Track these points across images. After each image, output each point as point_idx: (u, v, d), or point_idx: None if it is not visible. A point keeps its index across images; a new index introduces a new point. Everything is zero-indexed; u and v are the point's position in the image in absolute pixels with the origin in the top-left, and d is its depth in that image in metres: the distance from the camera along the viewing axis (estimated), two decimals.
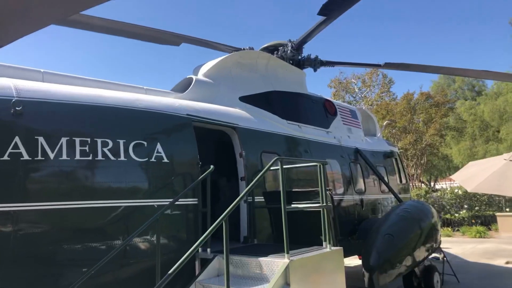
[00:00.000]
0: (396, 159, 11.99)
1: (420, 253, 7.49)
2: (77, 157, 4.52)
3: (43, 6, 2.23)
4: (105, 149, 4.74)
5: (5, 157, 4.07)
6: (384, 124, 16.30)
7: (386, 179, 10.48)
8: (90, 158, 4.62)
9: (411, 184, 27.92)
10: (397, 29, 64.52)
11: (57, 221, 4.34)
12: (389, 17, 64.60)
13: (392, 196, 10.24)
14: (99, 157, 4.69)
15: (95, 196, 4.59)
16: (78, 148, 4.53)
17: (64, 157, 4.42)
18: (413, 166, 30.63)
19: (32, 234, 4.16)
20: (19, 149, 4.15)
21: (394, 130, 30.30)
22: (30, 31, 2.56)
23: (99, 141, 4.72)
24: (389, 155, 11.51)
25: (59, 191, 4.37)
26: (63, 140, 4.45)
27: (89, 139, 4.65)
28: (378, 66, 11.11)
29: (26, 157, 4.18)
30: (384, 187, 10.24)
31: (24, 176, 4.19)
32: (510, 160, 11.86)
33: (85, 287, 4.15)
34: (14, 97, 4.31)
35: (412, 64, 10.52)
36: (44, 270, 4.17)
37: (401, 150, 27.51)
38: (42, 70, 5.24)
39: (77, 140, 4.55)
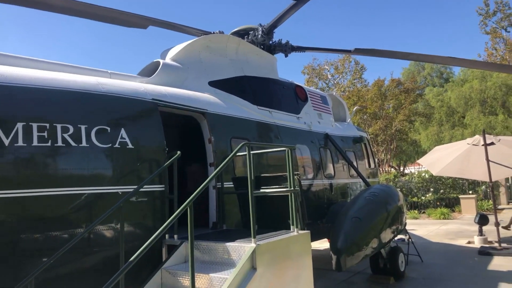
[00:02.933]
0: (365, 144, 12.21)
1: (386, 235, 7.70)
2: (35, 143, 4.32)
3: None
4: (65, 135, 4.56)
5: None
6: (354, 109, 16.54)
7: (355, 163, 10.67)
8: (49, 144, 4.43)
9: (381, 169, 28.68)
10: (368, 15, 65.19)
11: (15, 210, 4.16)
12: (361, 3, 65.16)
13: (361, 181, 10.45)
14: (59, 143, 4.51)
15: (56, 183, 4.42)
16: (35, 134, 4.33)
17: (20, 143, 4.22)
18: (383, 151, 31.41)
19: None
20: None
21: (365, 116, 30.87)
22: None
23: (58, 126, 4.53)
24: (358, 140, 11.69)
25: (16, 179, 4.18)
26: (19, 125, 4.24)
27: (47, 125, 4.45)
28: (348, 52, 11.17)
29: None
30: (353, 171, 10.42)
31: None
32: (473, 145, 12.36)
33: (46, 276, 4.03)
34: None
35: (382, 50, 10.64)
36: (1, 260, 4.01)
37: (372, 136, 28.12)
38: None
39: (35, 125, 4.35)
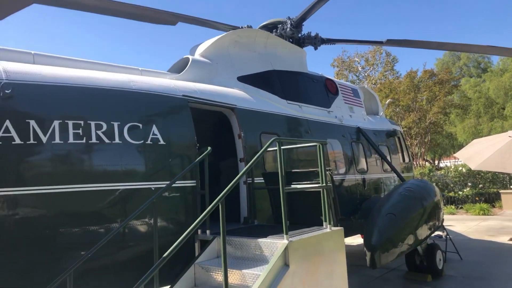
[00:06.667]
0: (399, 138, 11.86)
1: (423, 232, 7.44)
2: (71, 140, 4.43)
3: None
4: (99, 132, 4.65)
5: None
6: (387, 102, 16.08)
7: (388, 158, 10.37)
8: (84, 141, 4.53)
9: (415, 163, 27.83)
10: (400, 7, 63.22)
11: (53, 205, 4.29)
12: None
13: (395, 175, 10.16)
14: (93, 140, 4.60)
15: (91, 179, 4.53)
16: (71, 131, 4.44)
17: (57, 140, 4.34)
18: (417, 144, 30.45)
19: (28, 218, 4.12)
20: (10, 133, 4.07)
21: (397, 109, 30.02)
22: (10, 11, 2.43)
23: (92, 123, 4.63)
24: (391, 134, 11.36)
25: (53, 175, 4.31)
26: (56, 123, 4.36)
27: (82, 122, 4.55)
28: (380, 43, 10.83)
29: (18, 141, 4.11)
30: (386, 166, 10.14)
31: (17, 160, 4.12)
32: None
33: (83, 270, 4.13)
34: (3, 79, 4.20)
35: (415, 40, 10.26)
36: (41, 254, 4.14)
37: (405, 129, 27.33)
38: (32, 52, 5.10)
39: (70, 123, 4.46)
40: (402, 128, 22.66)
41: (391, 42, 10.45)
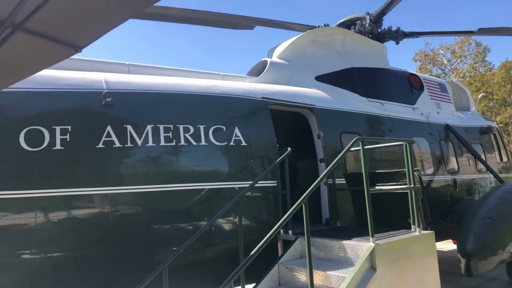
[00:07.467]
0: (494, 135, 10.79)
1: None
2: (162, 143, 4.77)
3: (121, 2, 2.29)
4: (187, 135, 4.94)
5: (101, 145, 4.45)
6: (479, 97, 14.67)
7: (483, 157, 9.49)
8: (174, 143, 4.84)
9: None
10: None
11: (148, 203, 4.65)
12: None
13: (491, 176, 9.25)
14: (182, 142, 4.90)
15: (180, 179, 4.82)
16: (162, 134, 4.78)
17: (150, 143, 4.70)
18: None
19: (127, 215, 4.51)
20: (112, 137, 4.50)
21: (491, 103, 27.31)
22: (110, 28, 2.68)
23: (181, 127, 4.93)
24: (485, 131, 10.36)
25: (147, 175, 4.67)
26: (149, 127, 4.72)
27: (171, 126, 4.87)
28: (470, 33, 10.02)
29: (117, 144, 4.52)
30: (481, 166, 9.28)
31: (117, 162, 4.54)
32: None
33: (174, 265, 4.40)
34: (104, 89, 4.67)
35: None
36: (138, 248, 4.51)
37: (500, 125, 24.76)
38: (127, 63, 5.60)
39: (161, 127, 4.80)
40: (497, 124, 20.56)
41: (483, 31, 9.61)
